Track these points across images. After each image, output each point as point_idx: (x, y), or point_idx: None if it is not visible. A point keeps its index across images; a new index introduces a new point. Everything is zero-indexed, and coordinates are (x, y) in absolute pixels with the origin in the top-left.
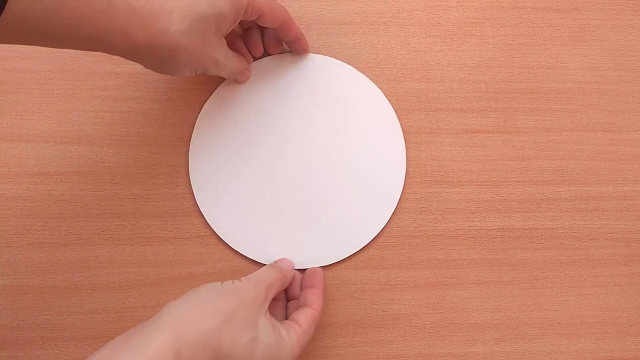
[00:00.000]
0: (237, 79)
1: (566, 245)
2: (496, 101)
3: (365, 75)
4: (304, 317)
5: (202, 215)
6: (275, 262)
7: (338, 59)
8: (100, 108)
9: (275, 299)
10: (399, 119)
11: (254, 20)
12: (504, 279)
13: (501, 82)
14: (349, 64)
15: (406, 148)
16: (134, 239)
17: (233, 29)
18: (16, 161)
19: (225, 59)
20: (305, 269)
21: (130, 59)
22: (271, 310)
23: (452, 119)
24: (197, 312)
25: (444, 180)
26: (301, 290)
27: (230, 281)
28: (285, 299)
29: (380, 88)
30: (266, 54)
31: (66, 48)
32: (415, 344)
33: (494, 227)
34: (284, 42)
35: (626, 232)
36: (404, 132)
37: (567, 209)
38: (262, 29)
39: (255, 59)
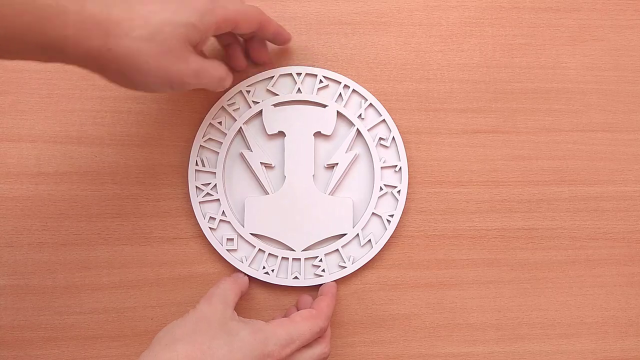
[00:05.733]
0: (224, 85)
1: (566, 245)
2: (496, 101)
3: (364, 76)
4: (298, 313)
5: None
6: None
7: (338, 59)
8: (100, 108)
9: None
10: (400, 119)
11: (232, 31)
12: (504, 279)
13: (501, 82)
14: (348, 63)
15: (406, 148)
16: (134, 239)
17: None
18: (16, 161)
19: (203, 66)
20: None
21: (89, 69)
22: None
23: (452, 119)
24: (159, 349)
25: (444, 180)
26: None
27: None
28: None
29: (380, 88)
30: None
31: (16, 59)
32: (415, 344)
33: (494, 227)
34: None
35: (626, 232)
36: (404, 133)
37: (567, 209)
38: (245, 40)
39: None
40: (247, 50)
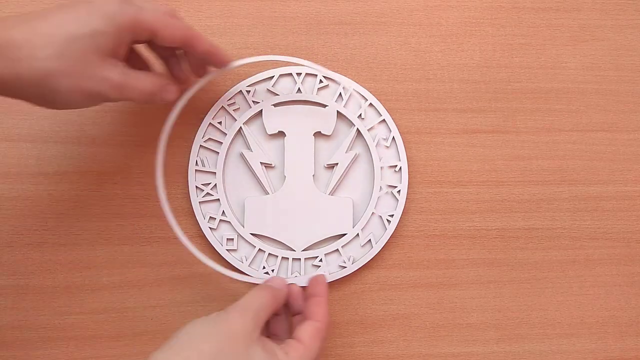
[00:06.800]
0: (162, 99)
1: (566, 245)
2: (496, 101)
3: (364, 76)
4: (305, 332)
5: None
6: (266, 281)
7: (338, 59)
8: (100, 108)
9: (274, 314)
10: (400, 119)
11: (153, 41)
12: (504, 279)
13: (501, 82)
14: (348, 63)
15: (406, 148)
16: (134, 239)
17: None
18: (16, 161)
19: (125, 78)
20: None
21: (9, 97)
22: (273, 327)
23: (452, 119)
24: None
25: (444, 180)
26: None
27: (215, 314)
28: (286, 312)
29: (380, 88)
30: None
31: None
32: (415, 344)
33: (494, 227)
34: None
35: (626, 232)
36: (404, 133)
37: (567, 209)
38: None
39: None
40: (189, 63)
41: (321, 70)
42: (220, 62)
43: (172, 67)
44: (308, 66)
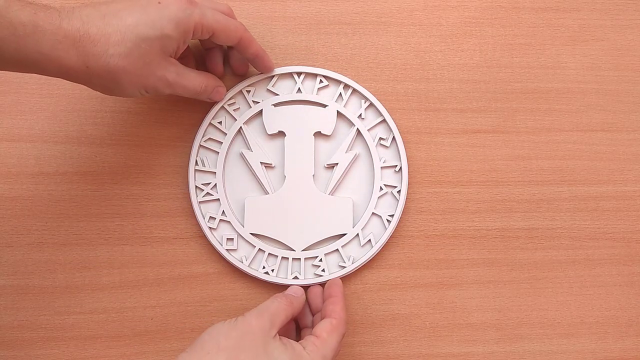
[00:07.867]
0: (210, 98)
1: (566, 245)
2: (496, 101)
3: (364, 76)
4: (322, 328)
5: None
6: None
7: (338, 59)
8: (100, 108)
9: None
10: (399, 119)
11: (211, 39)
12: (504, 279)
13: (501, 82)
14: (348, 63)
15: (406, 148)
16: (134, 239)
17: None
18: (16, 161)
19: (178, 78)
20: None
21: (71, 81)
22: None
23: (452, 119)
24: (201, 355)
25: (444, 180)
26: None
27: (234, 318)
28: (294, 325)
29: (380, 88)
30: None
31: None
32: (415, 344)
33: (494, 227)
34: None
35: (626, 232)
36: (404, 133)
37: (567, 209)
38: (228, 48)
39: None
40: (228, 59)
41: (367, 95)
42: (265, 67)
43: (212, 58)
44: (351, 85)
